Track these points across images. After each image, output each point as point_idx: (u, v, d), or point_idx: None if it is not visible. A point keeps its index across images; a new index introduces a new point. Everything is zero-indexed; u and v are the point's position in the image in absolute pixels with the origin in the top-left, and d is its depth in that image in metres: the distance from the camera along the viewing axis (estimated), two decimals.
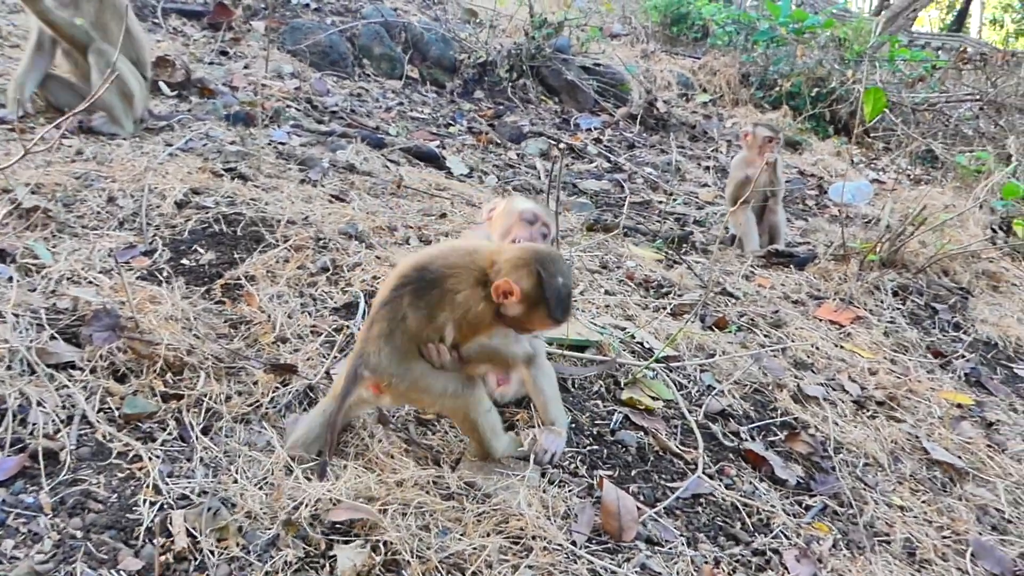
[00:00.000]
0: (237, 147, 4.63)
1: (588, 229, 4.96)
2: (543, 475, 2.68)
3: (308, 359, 2.88)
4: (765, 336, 4.11)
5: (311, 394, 2.75)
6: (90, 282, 2.96)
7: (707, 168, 7.78)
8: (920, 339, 4.64)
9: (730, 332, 4.01)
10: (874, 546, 2.78)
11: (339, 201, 4.29)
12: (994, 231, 6.98)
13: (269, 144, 4.98)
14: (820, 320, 4.54)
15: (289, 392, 2.70)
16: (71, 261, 3.07)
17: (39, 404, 2.36)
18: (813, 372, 3.90)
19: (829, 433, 3.37)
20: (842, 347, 4.25)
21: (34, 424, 2.31)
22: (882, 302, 4.97)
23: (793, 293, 4.83)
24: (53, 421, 2.34)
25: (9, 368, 2.43)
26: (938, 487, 3.26)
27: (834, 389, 3.79)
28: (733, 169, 5.51)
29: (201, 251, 3.42)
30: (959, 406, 3.91)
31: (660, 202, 6.34)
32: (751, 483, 2.97)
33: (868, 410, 3.67)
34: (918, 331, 4.74)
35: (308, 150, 5.06)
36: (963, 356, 4.52)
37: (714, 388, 3.48)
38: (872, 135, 10.51)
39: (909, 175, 9.17)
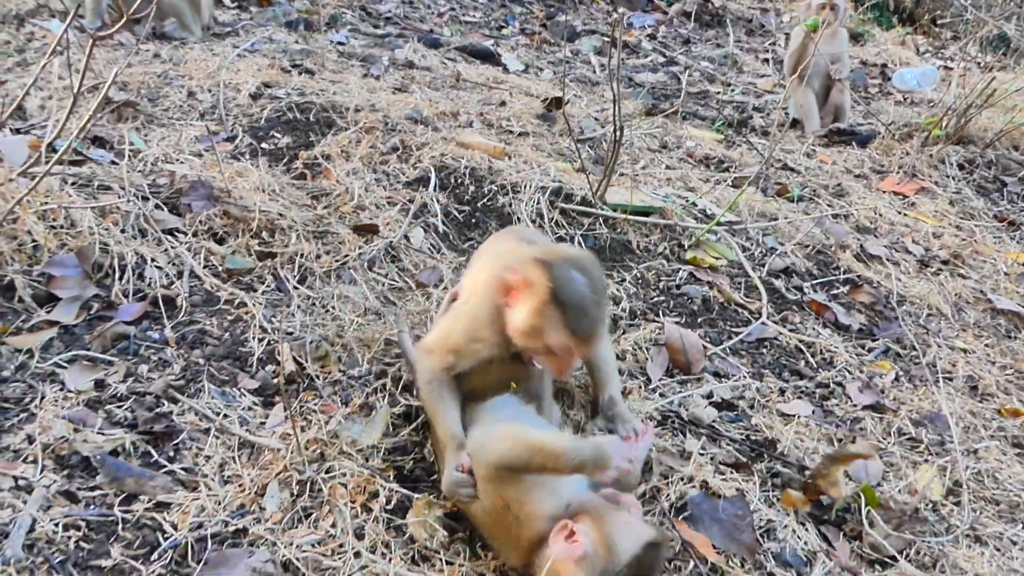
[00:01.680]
0: (301, 46, 4.78)
1: (646, 114, 4.99)
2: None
3: (387, 224, 3.07)
4: (828, 205, 4.14)
5: (392, 251, 2.94)
6: (181, 162, 3.17)
7: (765, 60, 7.62)
8: (987, 208, 4.61)
9: (791, 199, 4.06)
10: (937, 380, 2.88)
11: (401, 92, 4.41)
12: None
13: (330, 45, 5.10)
14: (883, 192, 4.53)
15: (372, 250, 2.89)
16: (162, 146, 3.28)
17: (153, 261, 2.60)
18: (876, 237, 3.94)
19: (892, 288, 3.44)
20: (905, 214, 4.26)
21: (150, 277, 2.55)
22: (947, 175, 4.91)
23: (855, 168, 4.81)
24: (167, 275, 2.57)
25: (123, 231, 2.66)
26: (1002, 333, 3.31)
27: (897, 251, 3.83)
28: (792, 38, 5.44)
29: (278, 136, 3.60)
30: None
31: (717, 92, 6.29)
32: (814, 329, 3.08)
33: (932, 267, 3.71)
34: (985, 201, 4.70)
35: (368, 50, 5.18)
36: None
37: (776, 249, 3.56)
38: (939, 23, 10.08)
39: (979, 62, 8.81)
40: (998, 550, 2.16)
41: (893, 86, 7.52)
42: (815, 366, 2.88)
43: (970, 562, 2.10)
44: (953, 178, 4.84)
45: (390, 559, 1.81)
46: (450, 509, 1.96)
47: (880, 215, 4.13)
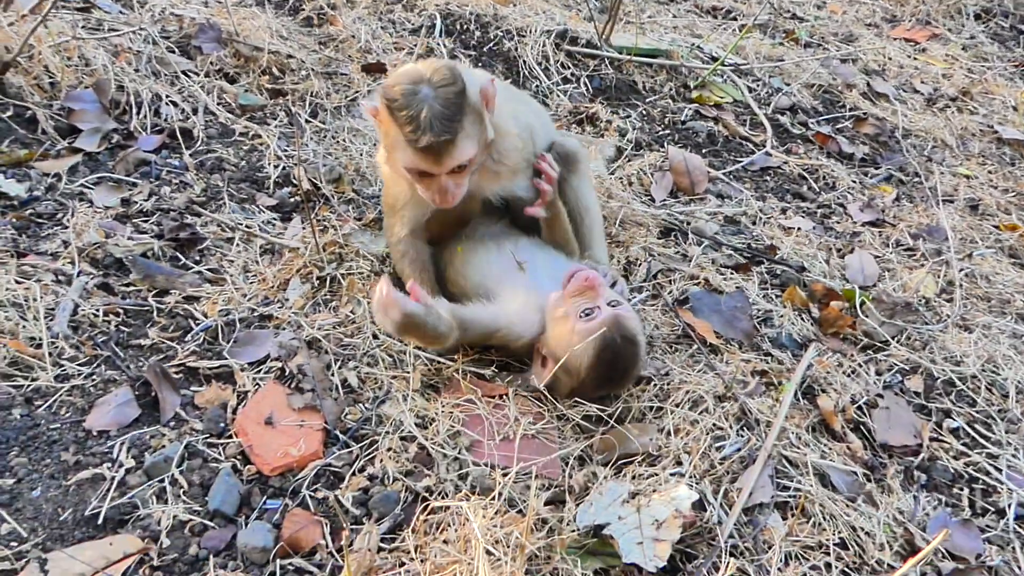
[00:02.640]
0: None
1: None
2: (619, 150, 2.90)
3: (394, 64, 3.09)
4: (836, 49, 4.10)
5: None
6: (187, 10, 3.18)
7: None
8: (1001, 53, 4.54)
9: (798, 40, 4.03)
10: (938, 202, 2.94)
11: None
12: None
13: None
14: (894, 38, 4.47)
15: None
16: None
17: (167, 98, 2.66)
18: (884, 79, 3.92)
19: (898, 123, 3.45)
20: (916, 58, 4.21)
21: (166, 114, 2.61)
22: (963, 24, 4.82)
23: (866, 18, 4.73)
24: (182, 111, 2.64)
25: (137, 71, 2.71)
26: (1006, 161, 3.34)
27: (905, 91, 3.82)
28: None
29: None
30: None
31: None
32: (817, 158, 3.12)
33: (939, 104, 3.71)
34: (1000, 47, 4.63)
35: None
36: None
37: (782, 89, 3.56)
38: None
39: None
40: (985, 336, 2.26)
41: None
42: (817, 190, 2.94)
43: (958, 345, 2.21)
44: (969, 27, 4.75)
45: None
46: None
47: (889, 59, 4.09)
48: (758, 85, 3.56)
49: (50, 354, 1.75)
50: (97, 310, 1.86)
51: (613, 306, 1.79)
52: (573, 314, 1.78)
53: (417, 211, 1.99)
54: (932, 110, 3.66)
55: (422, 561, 1.41)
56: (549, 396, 1.82)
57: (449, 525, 1.47)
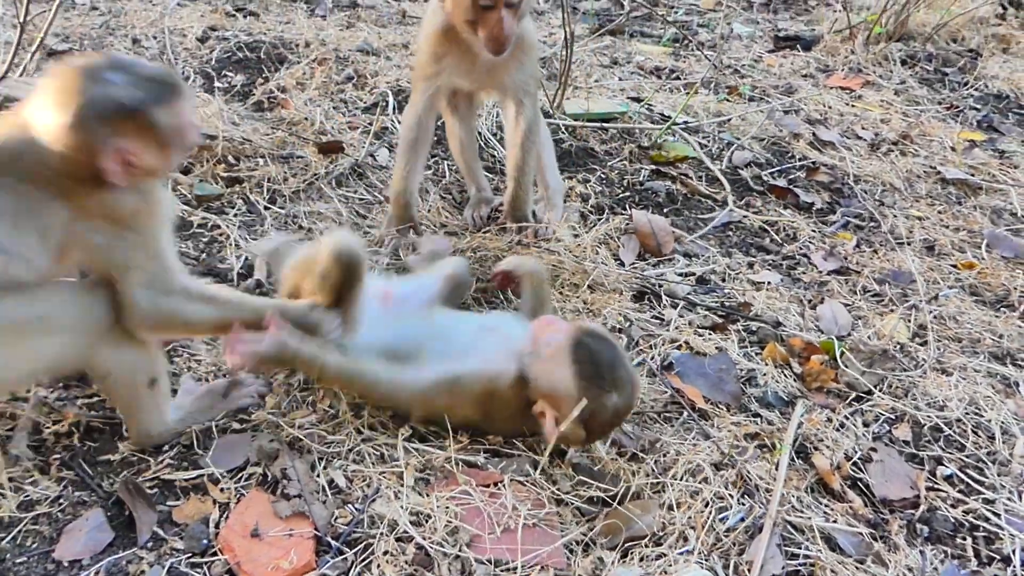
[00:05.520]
0: None
1: (593, 32, 5.01)
2: (582, 216, 2.91)
3: (351, 144, 3.07)
4: (778, 100, 4.23)
5: (359, 169, 2.95)
6: None
7: None
8: (931, 96, 4.73)
9: (742, 95, 4.15)
10: (895, 246, 3.00)
11: (349, 29, 4.38)
12: (1003, 7, 6.90)
13: None
14: (830, 87, 4.63)
15: (338, 168, 2.91)
16: None
17: None
18: (827, 127, 4.04)
19: (847, 169, 3.54)
20: (853, 105, 4.36)
21: None
22: (891, 71, 5.02)
23: (801, 69, 4.90)
24: None
25: None
26: (953, 200, 3.44)
27: (848, 137, 3.93)
28: None
29: (231, 74, 3.57)
30: (972, 142, 4.05)
31: (661, 14, 6.32)
32: (776, 211, 3.17)
33: (882, 149, 3.82)
34: (928, 91, 4.83)
35: None
36: (975, 108, 4.62)
37: (733, 144, 3.63)
38: None
39: None
40: (963, 378, 2.29)
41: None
42: (780, 242, 2.98)
43: (939, 389, 2.23)
44: (897, 74, 4.95)
45: (389, 434, 1.86)
46: None
47: (829, 107, 4.23)
48: (709, 141, 3.63)
49: (11, 479, 1.63)
50: (61, 425, 1.75)
51: None
52: (543, 347, 1.76)
53: (436, 80, 2.50)
54: (876, 155, 3.77)
55: None
56: (546, 482, 1.76)
57: None
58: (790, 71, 4.84)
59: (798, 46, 5.32)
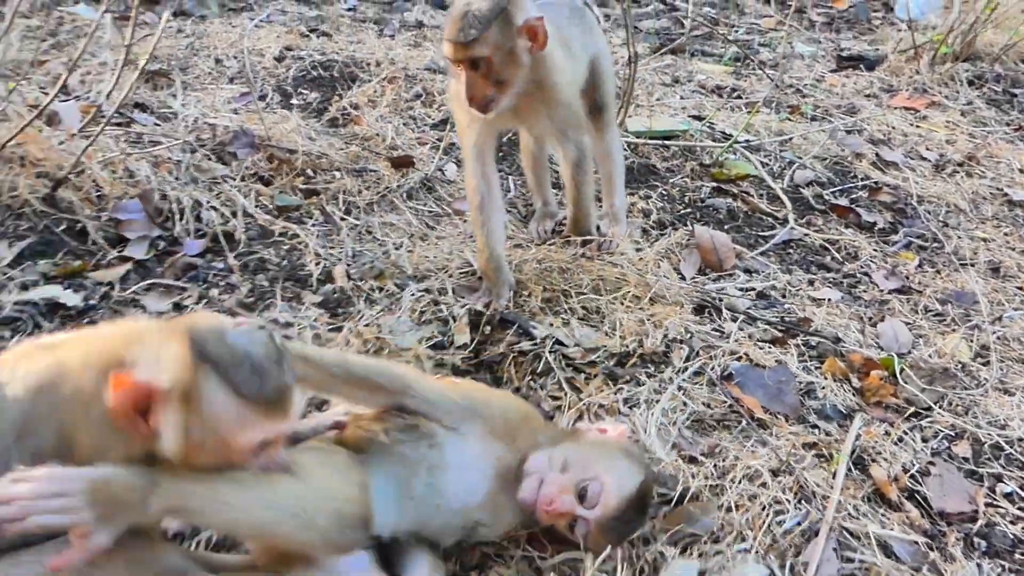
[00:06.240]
0: (315, 13, 4.93)
1: (654, 51, 5.10)
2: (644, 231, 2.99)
3: (420, 159, 3.22)
4: (840, 120, 4.24)
5: (428, 183, 3.09)
6: (219, 119, 3.33)
7: (767, 1, 7.68)
8: (998, 117, 4.68)
9: (804, 113, 4.18)
10: (958, 267, 3.00)
11: (416, 48, 4.55)
12: None
13: (342, 12, 5.24)
14: (894, 108, 4.62)
15: (408, 181, 3.05)
16: (200, 107, 3.44)
17: (208, 203, 2.76)
18: (890, 148, 4.04)
19: (911, 189, 3.55)
20: (918, 126, 4.35)
21: (207, 219, 2.71)
22: (957, 91, 4.98)
23: (865, 89, 4.90)
24: (222, 215, 2.74)
25: (177, 179, 2.83)
26: (1020, 222, 3.42)
27: (912, 158, 3.93)
28: None
29: (306, 92, 3.76)
30: None
31: (722, 33, 6.37)
32: (838, 229, 3.20)
33: (947, 170, 3.81)
34: (996, 112, 4.78)
35: (378, 14, 5.31)
36: None
37: (794, 163, 3.67)
38: None
39: None
40: None
41: (896, 16, 7.56)
42: (841, 260, 3.01)
43: (1001, 409, 2.23)
44: (963, 93, 4.91)
45: None
46: None
47: (893, 127, 4.23)
48: (770, 160, 3.68)
49: None
50: None
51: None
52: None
53: (477, 138, 2.43)
54: (941, 176, 3.76)
55: None
56: None
57: None
58: (853, 91, 4.84)
59: (861, 66, 5.31)
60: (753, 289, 2.71)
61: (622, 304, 2.49)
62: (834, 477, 1.87)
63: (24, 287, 2.27)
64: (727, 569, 1.57)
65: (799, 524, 1.75)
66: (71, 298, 2.23)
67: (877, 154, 3.82)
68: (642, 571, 1.60)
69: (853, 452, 2.00)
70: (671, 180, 3.40)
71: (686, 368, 2.23)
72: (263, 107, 3.60)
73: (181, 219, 2.67)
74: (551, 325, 2.34)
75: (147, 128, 3.11)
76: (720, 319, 2.49)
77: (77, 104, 3.10)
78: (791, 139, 3.84)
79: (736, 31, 6.48)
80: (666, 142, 3.60)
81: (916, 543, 1.78)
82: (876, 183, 3.59)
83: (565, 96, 2.45)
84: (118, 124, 3.09)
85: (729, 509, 1.78)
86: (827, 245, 3.08)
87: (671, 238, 2.93)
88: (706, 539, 1.70)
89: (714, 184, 3.41)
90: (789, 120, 4.16)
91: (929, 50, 5.27)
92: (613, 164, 2.90)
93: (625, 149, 3.51)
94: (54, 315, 2.21)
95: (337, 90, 3.77)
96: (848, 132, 4.08)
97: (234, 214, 2.76)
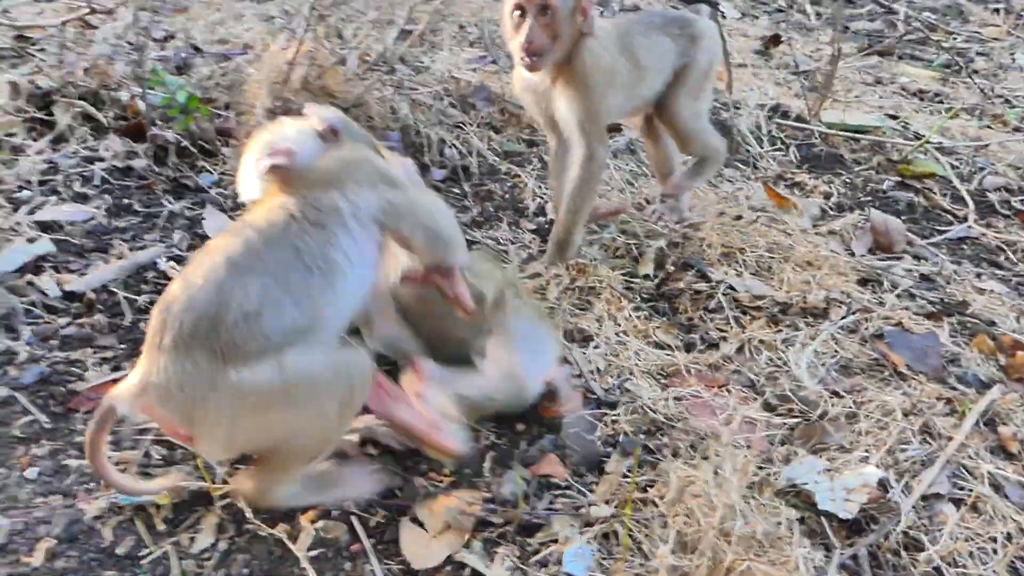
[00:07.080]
0: None
1: (860, 51, 5.22)
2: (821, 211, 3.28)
3: (627, 127, 3.67)
4: None
5: (632, 146, 3.54)
6: (462, 75, 3.93)
7: (995, 10, 7.41)
8: None
9: (1008, 122, 4.22)
10: None
11: None
12: None
13: None
14: None
15: (615, 143, 3.51)
16: (446, 64, 4.07)
17: (450, 143, 3.35)
18: None
19: None
20: None
21: (450, 154, 3.31)
22: None
23: None
24: (460, 153, 3.33)
25: (427, 120, 3.45)
26: None
27: None
28: None
29: None
30: None
31: (938, 39, 6.30)
32: (1019, 233, 3.32)
33: None
34: None
35: None
36: None
37: (986, 168, 3.77)
38: None
39: None
40: None
41: None
42: (1015, 261, 3.15)
43: None
44: None
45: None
46: None
47: None
48: (961, 163, 3.80)
49: None
50: None
51: None
52: None
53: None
54: None
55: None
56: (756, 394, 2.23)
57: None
58: None
59: None
60: (919, 272, 2.95)
61: (794, 269, 2.83)
62: (962, 423, 2.15)
63: None
64: (849, 469, 1.93)
65: (920, 455, 2.06)
66: None
67: None
68: (770, 460, 1.99)
69: (985, 412, 2.25)
70: (856, 170, 3.64)
71: (842, 323, 2.55)
72: (497, 69, 4.19)
73: (429, 151, 3.29)
74: (725, 273, 2.73)
75: (406, 78, 3.76)
76: (881, 291, 2.77)
77: (356, 52, 3.79)
78: (987, 145, 3.93)
79: (955, 39, 6.39)
80: (857, 135, 3.82)
81: None
82: None
83: (591, 84, 2.47)
84: (385, 72, 3.76)
85: (860, 433, 2.11)
86: (1003, 246, 3.22)
87: (847, 219, 3.20)
88: (834, 450, 2.05)
89: (898, 179, 3.61)
90: (989, 128, 4.22)
91: None
92: (705, 151, 2.91)
93: (815, 138, 3.77)
94: None
95: None
96: None
97: (470, 153, 3.34)
